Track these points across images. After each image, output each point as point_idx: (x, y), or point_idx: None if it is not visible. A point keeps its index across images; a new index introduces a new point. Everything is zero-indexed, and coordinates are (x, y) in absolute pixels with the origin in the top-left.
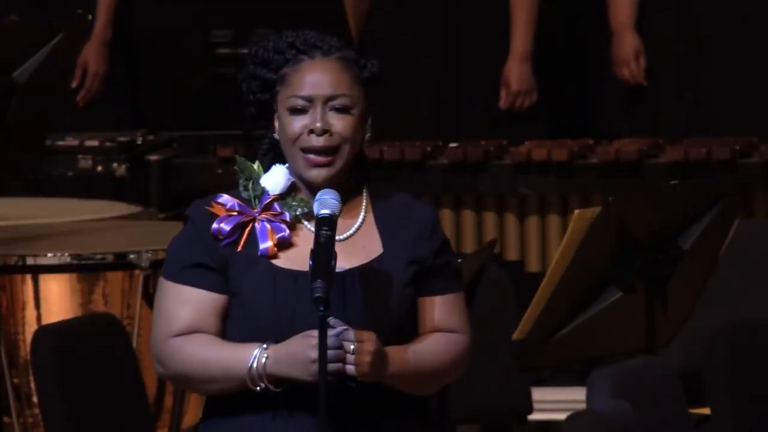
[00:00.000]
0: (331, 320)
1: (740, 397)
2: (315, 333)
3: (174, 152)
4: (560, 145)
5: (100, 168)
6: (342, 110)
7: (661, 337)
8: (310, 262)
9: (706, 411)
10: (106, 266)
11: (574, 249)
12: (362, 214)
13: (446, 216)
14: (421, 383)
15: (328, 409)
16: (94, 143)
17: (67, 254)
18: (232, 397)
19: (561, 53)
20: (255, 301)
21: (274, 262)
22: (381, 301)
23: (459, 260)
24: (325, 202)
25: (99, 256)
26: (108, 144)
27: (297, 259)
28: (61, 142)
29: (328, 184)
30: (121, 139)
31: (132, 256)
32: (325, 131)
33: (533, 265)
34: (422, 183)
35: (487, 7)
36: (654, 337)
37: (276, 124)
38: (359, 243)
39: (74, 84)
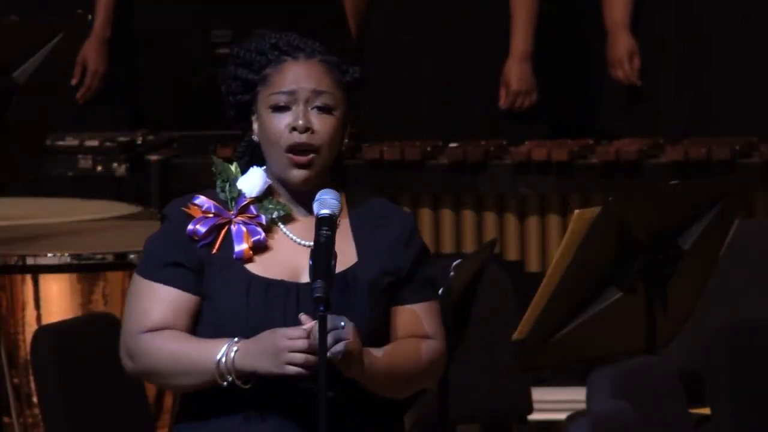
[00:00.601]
0: (302, 317)
1: (740, 397)
2: (285, 330)
3: (174, 152)
4: (560, 145)
5: (100, 168)
6: (324, 110)
7: (661, 337)
8: (310, 262)
9: (706, 411)
10: (106, 266)
11: (574, 249)
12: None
13: (446, 216)
14: (392, 385)
15: (302, 416)
16: (94, 143)
17: (67, 254)
18: (205, 398)
19: (561, 53)
20: (227, 308)
21: (249, 267)
22: (353, 309)
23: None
24: (325, 202)
25: (99, 256)
26: (108, 144)
27: (272, 266)
28: (61, 142)
29: (307, 185)
30: (121, 139)
31: (132, 256)
32: (307, 128)
33: (533, 265)
34: (422, 183)
35: (487, 7)
36: (654, 337)
37: (255, 126)
38: (336, 249)
39: (74, 82)
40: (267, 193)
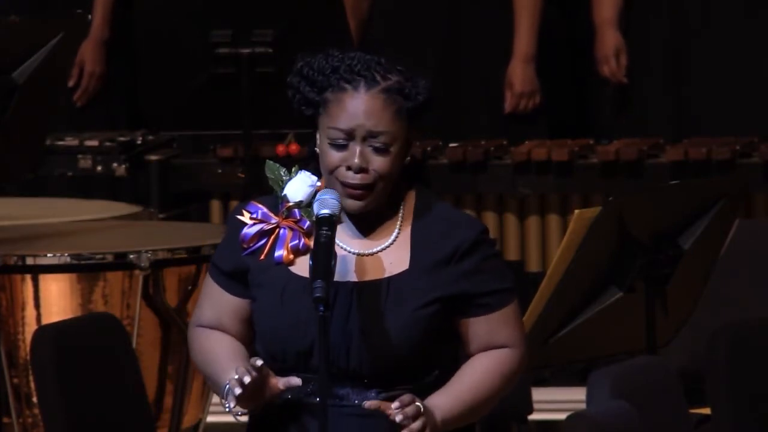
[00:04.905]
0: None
1: (740, 397)
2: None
3: (174, 152)
4: (560, 145)
5: (100, 168)
6: (380, 149)
7: (661, 337)
8: (310, 263)
9: (706, 411)
10: (106, 266)
11: (574, 249)
12: (396, 231)
13: None
14: (473, 417)
15: None
16: (94, 143)
17: (67, 254)
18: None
19: (561, 53)
20: (263, 305)
21: (291, 268)
22: (392, 318)
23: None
24: (325, 202)
25: (99, 256)
26: (108, 144)
27: None
28: (60, 142)
29: (361, 213)
30: (121, 139)
31: (132, 256)
32: (362, 169)
33: (533, 265)
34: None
35: (486, 7)
36: (654, 337)
37: (318, 138)
38: (387, 259)
39: (71, 83)
40: (313, 197)
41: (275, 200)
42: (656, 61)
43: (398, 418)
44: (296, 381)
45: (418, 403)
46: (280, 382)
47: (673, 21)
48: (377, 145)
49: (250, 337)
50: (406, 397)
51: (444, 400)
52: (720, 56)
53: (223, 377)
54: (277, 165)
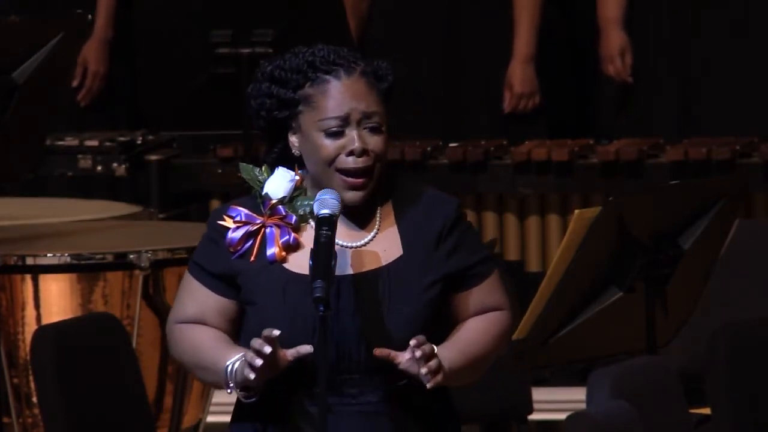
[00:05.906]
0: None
1: (740, 397)
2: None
3: (174, 152)
4: (560, 145)
5: (99, 168)
6: (375, 129)
7: (661, 337)
8: (310, 263)
9: (706, 411)
10: (106, 266)
11: (574, 249)
12: (378, 220)
13: None
14: (470, 375)
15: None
16: (94, 143)
17: (67, 254)
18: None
19: (561, 53)
20: (267, 308)
21: (287, 266)
22: (397, 303)
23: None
24: (325, 202)
25: (99, 256)
26: (108, 144)
27: (306, 262)
28: (60, 142)
29: (361, 203)
30: (121, 139)
31: (132, 256)
32: (363, 151)
33: (533, 265)
34: (422, 183)
35: (486, 7)
36: (654, 337)
37: (294, 140)
38: (379, 247)
39: (75, 83)
40: (294, 192)
41: (254, 200)
42: (656, 61)
43: (417, 353)
44: (307, 348)
45: (431, 345)
46: (288, 353)
47: (673, 21)
48: (372, 125)
49: (233, 336)
50: (421, 337)
51: (447, 353)
52: (720, 56)
53: (221, 360)
54: (251, 166)
